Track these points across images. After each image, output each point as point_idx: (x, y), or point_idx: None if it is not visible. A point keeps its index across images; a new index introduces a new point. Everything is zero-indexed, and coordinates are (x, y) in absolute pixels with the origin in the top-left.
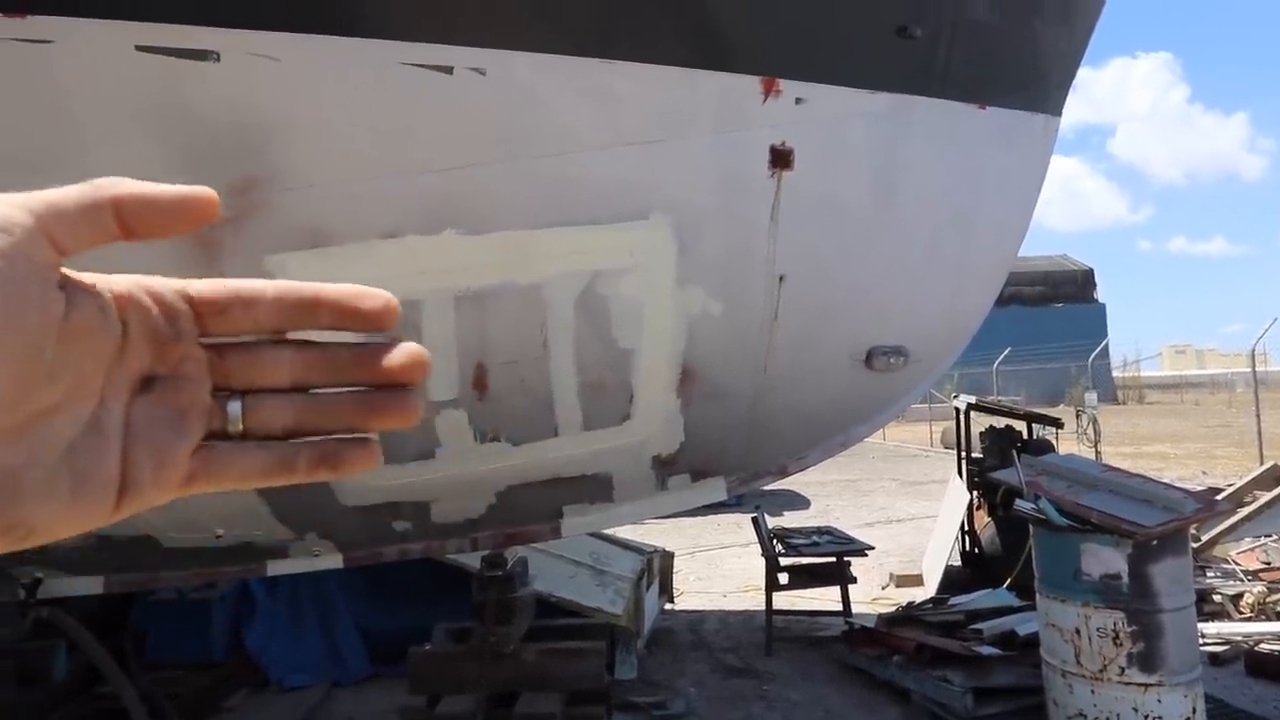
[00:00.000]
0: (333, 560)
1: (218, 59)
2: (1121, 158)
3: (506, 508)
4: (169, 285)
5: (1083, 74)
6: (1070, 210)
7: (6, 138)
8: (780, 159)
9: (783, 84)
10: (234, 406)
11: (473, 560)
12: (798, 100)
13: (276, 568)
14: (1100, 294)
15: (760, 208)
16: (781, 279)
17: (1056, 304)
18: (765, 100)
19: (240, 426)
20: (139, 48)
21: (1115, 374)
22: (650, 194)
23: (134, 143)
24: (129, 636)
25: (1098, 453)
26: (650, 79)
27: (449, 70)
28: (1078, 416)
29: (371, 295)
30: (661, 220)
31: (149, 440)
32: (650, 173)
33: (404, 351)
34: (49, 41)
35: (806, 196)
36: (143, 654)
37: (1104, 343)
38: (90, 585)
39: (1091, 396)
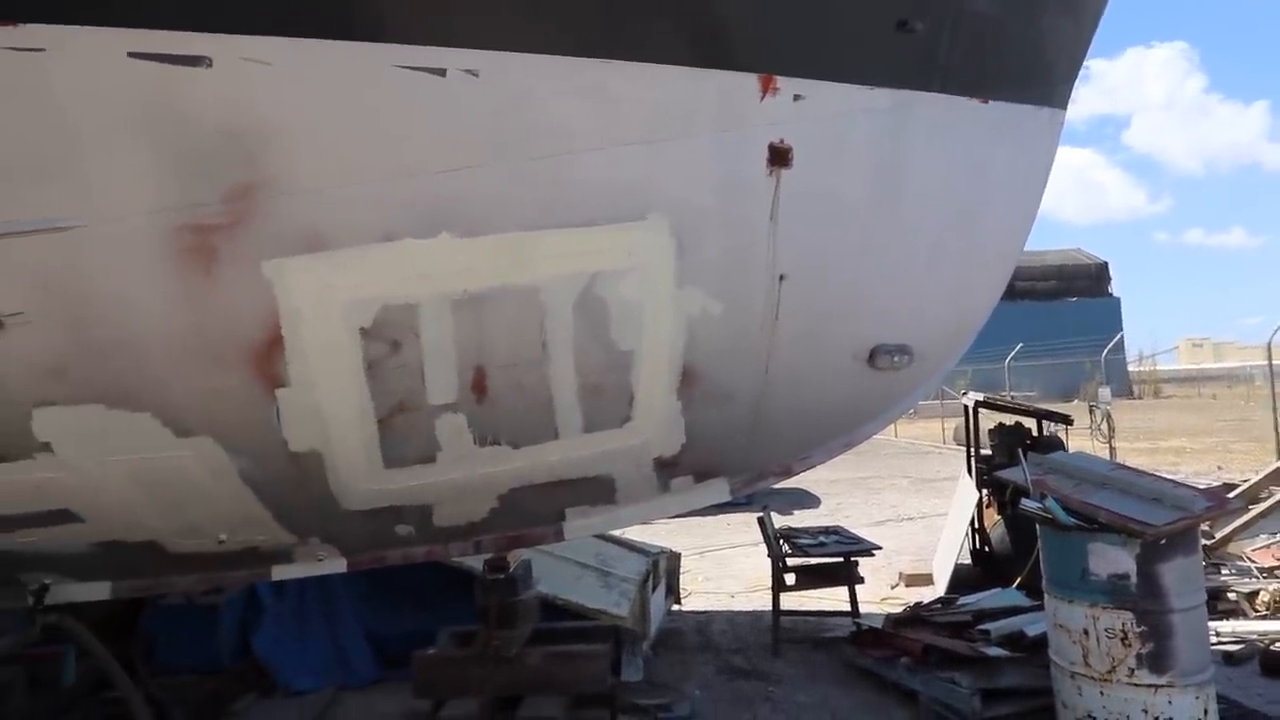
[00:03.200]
0: (336, 564)
1: (210, 64)
2: (1137, 148)
3: (509, 510)
4: None
5: (1097, 64)
6: (1084, 202)
7: (4, 145)
8: (779, 157)
9: (780, 81)
10: None
11: (477, 563)
12: (796, 97)
13: (281, 572)
14: (1115, 287)
15: (759, 207)
16: (782, 278)
17: (1070, 298)
18: (763, 98)
19: None
20: (131, 54)
21: (1131, 368)
22: (648, 194)
23: (128, 150)
24: (138, 642)
25: (1112, 449)
26: (647, 78)
27: (442, 73)
28: (1091, 412)
29: None
30: (660, 220)
31: None
32: (648, 173)
33: None
34: (41, 50)
35: (806, 195)
36: (151, 659)
37: (1118, 337)
38: (98, 591)
39: (1105, 392)
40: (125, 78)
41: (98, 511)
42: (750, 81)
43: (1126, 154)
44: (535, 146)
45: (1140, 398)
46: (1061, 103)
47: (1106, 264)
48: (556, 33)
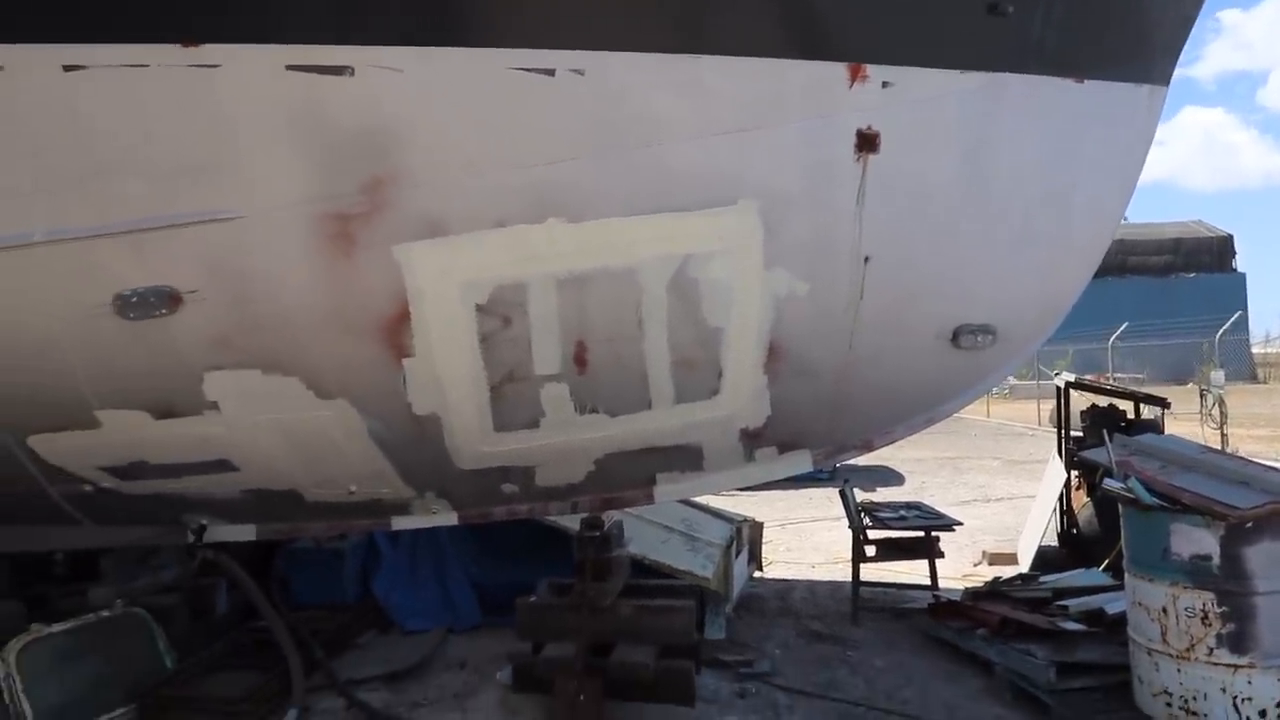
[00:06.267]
0: (448, 518)
1: (352, 73)
2: (1275, 108)
3: (604, 474)
4: None
5: (1230, 16)
6: (1212, 168)
7: (181, 148)
8: (866, 143)
9: (869, 69)
10: None
11: (573, 522)
12: (884, 84)
13: (400, 523)
14: (1240, 262)
15: (846, 191)
16: (867, 260)
17: (1188, 274)
18: (852, 86)
19: None
20: (289, 67)
21: (1255, 350)
22: (739, 181)
23: (282, 150)
24: (275, 580)
25: (1224, 435)
26: (739, 71)
27: (551, 72)
28: (1202, 396)
29: None
30: (749, 206)
31: None
32: (739, 161)
33: None
34: (217, 66)
35: (893, 179)
36: (285, 596)
37: (1237, 315)
38: (245, 533)
39: (1218, 375)
40: (283, 87)
41: (250, 462)
42: (839, 70)
43: (1263, 114)
44: (634, 138)
45: (1264, 382)
46: (1163, 79)
47: (1231, 237)
48: (654, 31)
